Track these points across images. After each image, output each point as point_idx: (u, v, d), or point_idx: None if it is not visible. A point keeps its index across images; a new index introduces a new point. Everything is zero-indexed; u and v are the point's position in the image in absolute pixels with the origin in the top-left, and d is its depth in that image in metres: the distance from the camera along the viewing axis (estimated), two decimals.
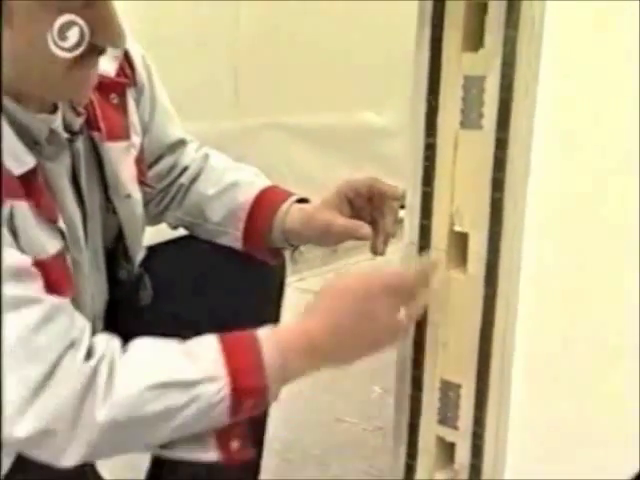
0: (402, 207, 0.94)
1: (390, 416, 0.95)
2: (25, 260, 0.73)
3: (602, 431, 1.18)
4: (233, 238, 1.07)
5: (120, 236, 0.98)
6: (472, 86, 0.85)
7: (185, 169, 1.11)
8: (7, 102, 0.77)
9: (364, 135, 2.95)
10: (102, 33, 0.78)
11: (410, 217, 0.90)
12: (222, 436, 0.78)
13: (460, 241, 0.88)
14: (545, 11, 0.79)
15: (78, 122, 0.87)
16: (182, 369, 0.74)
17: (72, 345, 0.73)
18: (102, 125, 0.91)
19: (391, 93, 2.60)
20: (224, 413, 0.75)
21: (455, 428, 0.92)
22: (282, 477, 1.46)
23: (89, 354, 0.74)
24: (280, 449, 1.56)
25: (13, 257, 0.72)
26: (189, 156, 1.12)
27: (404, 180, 0.93)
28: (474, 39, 0.84)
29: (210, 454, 0.78)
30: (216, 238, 1.09)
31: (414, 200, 0.90)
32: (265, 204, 1.07)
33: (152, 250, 1.05)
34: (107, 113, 0.93)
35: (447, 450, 0.93)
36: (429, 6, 0.85)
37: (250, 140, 2.28)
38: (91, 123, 0.90)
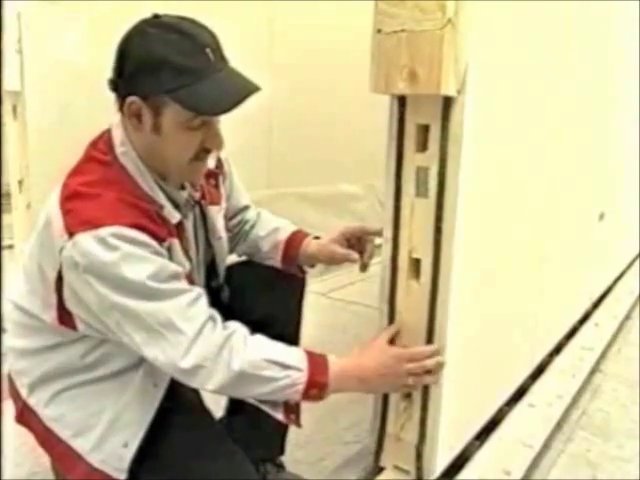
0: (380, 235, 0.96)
1: None
2: (178, 268, 0.75)
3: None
4: (276, 261, 1.08)
5: (213, 261, 0.97)
6: (421, 172, 0.88)
7: (247, 221, 1.12)
8: (163, 183, 0.80)
9: (343, 198, 2.94)
10: (211, 141, 0.79)
11: (385, 248, 0.93)
12: (287, 409, 0.80)
13: (416, 263, 0.91)
14: (463, 131, 0.83)
15: (197, 195, 0.89)
16: (284, 356, 0.76)
17: (211, 318, 0.75)
18: (207, 196, 0.92)
19: (360, 172, 2.59)
20: (298, 392, 0.76)
21: None
22: None
23: (224, 328, 0.75)
24: None
25: (173, 267, 0.74)
26: (249, 214, 1.13)
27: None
28: (422, 145, 0.87)
29: (278, 415, 0.81)
30: (265, 261, 1.09)
31: (388, 237, 0.92)
32: (294, 240, 1.08)
33: (229, 268, 1.03)
34: (209, 189, 0.94)
35: None
36: (395, 126, 0.88)
37: (277, 202, 2.27)
38: (202, 195, 0.91)
